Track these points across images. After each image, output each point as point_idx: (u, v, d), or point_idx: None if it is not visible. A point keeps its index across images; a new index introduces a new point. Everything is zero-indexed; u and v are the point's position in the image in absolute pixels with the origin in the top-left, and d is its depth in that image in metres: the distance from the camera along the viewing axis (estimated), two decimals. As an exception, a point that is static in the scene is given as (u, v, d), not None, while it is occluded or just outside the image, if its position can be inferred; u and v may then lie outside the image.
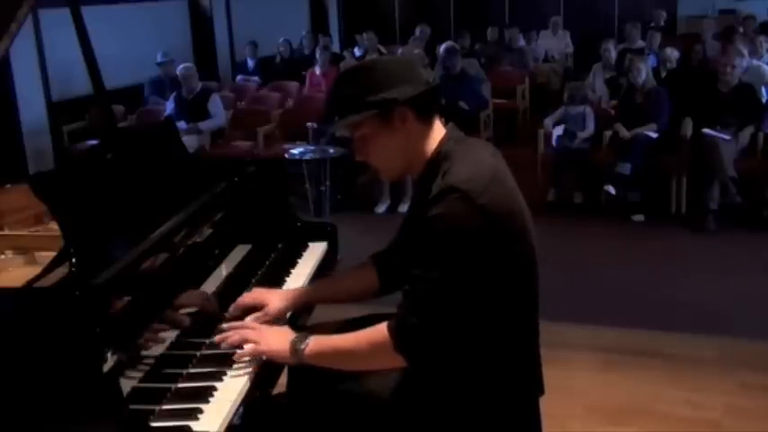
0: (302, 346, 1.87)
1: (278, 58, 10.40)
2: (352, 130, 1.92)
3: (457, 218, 1.71)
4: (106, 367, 1.60)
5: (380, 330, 1.80)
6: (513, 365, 1.84)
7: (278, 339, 1.91)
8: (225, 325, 1.99)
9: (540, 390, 1.93)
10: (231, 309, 2.12)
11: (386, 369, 1.85)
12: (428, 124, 1.88)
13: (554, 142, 6.52)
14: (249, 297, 2.15)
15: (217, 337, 1.94)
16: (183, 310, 2.07)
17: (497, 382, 1.83)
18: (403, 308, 1.78)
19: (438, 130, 1.90)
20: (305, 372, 2.13)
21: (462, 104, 7.09)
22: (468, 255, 1.71)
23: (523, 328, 1.86)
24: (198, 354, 1.94)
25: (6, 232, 2.44)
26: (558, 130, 6.52)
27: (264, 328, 1.98)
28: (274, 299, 2.13)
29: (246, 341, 1.90)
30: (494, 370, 1.82)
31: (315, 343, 1.88)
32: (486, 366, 1.82)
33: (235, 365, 1.87)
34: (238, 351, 1.89)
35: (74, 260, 1.80)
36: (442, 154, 1.85)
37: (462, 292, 1.73)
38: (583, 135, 6.50)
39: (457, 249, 1.71)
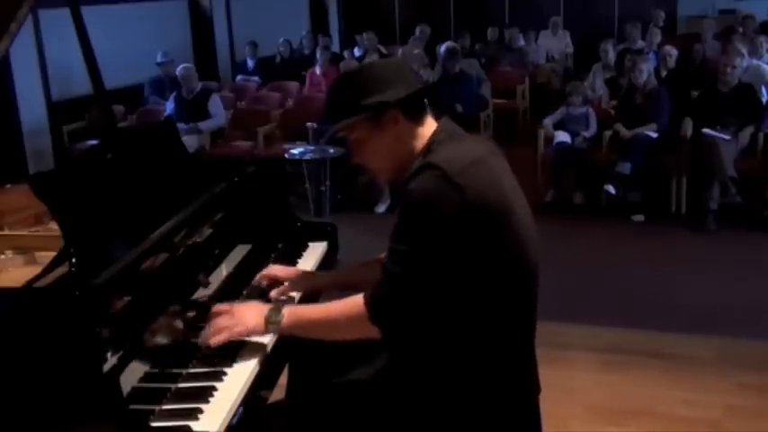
0: (278, 318, 1.91)
1: (278, 58, 10.40)
2: (347, 134, 1.95)
3: (430, 192, 1.73)
4: (106, 367, 1.60)
5: (357, 301, 1.83)
6: (508, 363, 1.84)
7: (252, 316, 1.93)
8: (201, 339, 1.94)
9: (536, 388, 1.93)
10: (255, 280, 2.26)
11: (381, 360, 1.87)
12: (420, 124, 1.91)
13: (554, 145, 6.51)
14: (265, 275, 2.26)
15: (203, 344, 1.91)
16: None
17: (495, 382, 1.83)
18: (379, 280, 1.81)
19: (430, 126, 1.92)
20: (305, 372, 2.14)
21: (458, 107, 7.09)
22: (439, 230, 1.72)
23: (518, 322, 1.85)
24: (198, 354, 1.94)
25: (6, 232, 2.44)
26: (561, 135, 6.51)
27: (236, 307, 1.98)
28: (291, 275, 2.25)
29: (222, 329, 1.90)
30: (490, 369, 1.82)
31: (290, 313, 1.92)
32: (481, 363, 1.81)
33: (235, 365, 1.87)
34: (212, 340, 1.89)
35: (74, 260, 1.80)
36: (432, 143, 1.87)
37: (433, 267, 1.74)
38: (587, 135, 6.50)
39: (428, 224, 1.73)
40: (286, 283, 2.23)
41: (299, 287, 2.26)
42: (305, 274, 2.32)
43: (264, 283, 2.26)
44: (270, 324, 1.92)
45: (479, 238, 1.74)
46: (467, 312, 1.79)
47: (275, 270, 2.29)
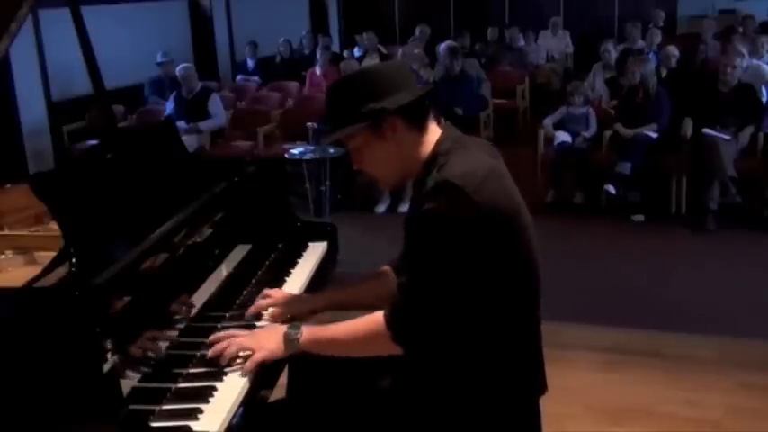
0: (297, 336, 1.89)
1: (278, 58, 10.39)
2: (346, 141, 1.92)
3: (450, 212, 1.72)
4: (106, 367, 1.60)
5: (377, 320, 1.82)
6: (514, 364, 1.84)
7: (272, 338, 1.91)
8: (213, 337, 1.94)
9: (542, 389, 1.93)
10: (251, 311, 2.14)
11: (382, 358, 1.86)
12: (421, 130, 1.88)
13: (556, 146, 6.50)
14: (265, 302, 2.15)
15: (210, 352, 1.88)
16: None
17: (498, 381, 1.83)
18: (398, 299, 1.79)
19: (433, 133, 1.90)
20: (305, 372, 2.14)
21: (458, 110, 7.09)
22: (460, 249, 1.72)
23: (524, 327, 1.86)
24: (198, 354, 1.94)
25: (6, 232, 2.44)
26: (562, 136, 6.51)
27: (256, 332, 1.96)
28: (292, 301, 2.16)
29: (242, 349, 1.87)
30: (494, 369, 1.82)
31: (309, 331, 1.91)
32: (487, 365, 1.82)
33: (235, 365, 1.87)
34: (235, 364, 1.86)
35: (74, 260, 1.80)
36: (439, 153, 1.85)
37: (455, 285, 1.74)
38: (587, 135, 6.50)
39: (449, 244, 1.72)
40: (273, 309, 2.13)
41: (295, 310, 2.16)
42: (301, 297, 2.25)
43: (265, 303, 2.15)
44: (289, 342, 1.89)
45: (495, 251, 1.75)
46: (478, 319, 1.79)
47: (273, 293, 2.20)
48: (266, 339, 1.90)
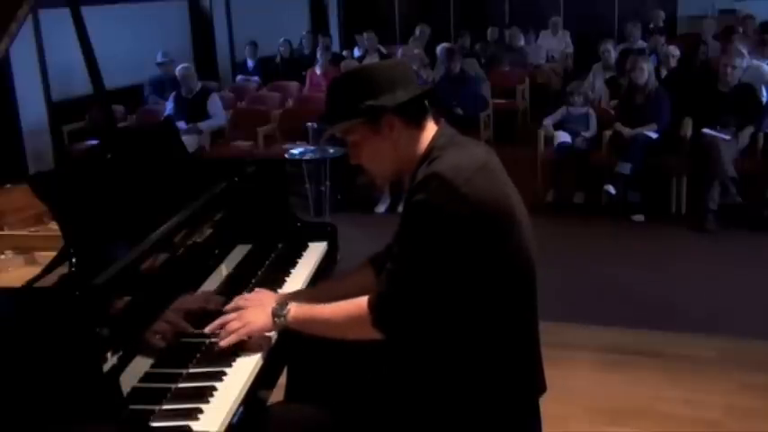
0: (284, 312, 1.95)
1: (278, 58, 10.40)
2: (344, 136, 1.96)
3: (437, 203, 1.74)
4: (106, 367, 1.60)
5: (360, 303, 1.85)
6: (509, 362, 1.84)
7: (259, 315, 1.97)
8: (209, 328, 1.99)
9: (541, 388, 1.93)
10: (229, 307, 2.12)
11: (382, 358, 1.88)
12: (418, 128, 1.90)
13: (556, 147, 6.50)
14: (243, 300, 2.13)
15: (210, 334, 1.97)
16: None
17: (496, 381, 1.83)
18: (381, 285, 1.82)
19: (430, 130, 1.92)
20: (305, 372, 2.14)
21: (458, 110, 7.09)
22: (445, 240, 1.74)
23: (518, 323, 1.86)
24: (198, 354, 1.94)
25: (6, 232, 2.44)
26: (562, 136, 6.50)
27: (245, 310, 2.01)
28: (270, 300, 2.13)
29: (233, 331, 1.94)
30: (491, 367, 1.82)
31: (296, 310, 1.96)
32: (484, 363, 1.82)
33: (235, 365, 1.87)
34: (222, 342, 1.93)
35: (74, 260, 1.80)
36: (433, 149, 1.87)
37: (438, 275, 1.75)
38: (587, 135, 6.50)
39: (434, 234, 1.74)
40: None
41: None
42: (283, 296, 2.21)
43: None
44: (276, 318, 1.96)
45: (484, 244, 1.76)
46: (470, 316, 1.80)
47: (254, 294, 2.18)
48: (255, 316, 1.97)
